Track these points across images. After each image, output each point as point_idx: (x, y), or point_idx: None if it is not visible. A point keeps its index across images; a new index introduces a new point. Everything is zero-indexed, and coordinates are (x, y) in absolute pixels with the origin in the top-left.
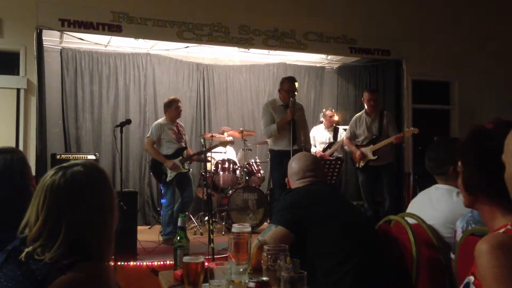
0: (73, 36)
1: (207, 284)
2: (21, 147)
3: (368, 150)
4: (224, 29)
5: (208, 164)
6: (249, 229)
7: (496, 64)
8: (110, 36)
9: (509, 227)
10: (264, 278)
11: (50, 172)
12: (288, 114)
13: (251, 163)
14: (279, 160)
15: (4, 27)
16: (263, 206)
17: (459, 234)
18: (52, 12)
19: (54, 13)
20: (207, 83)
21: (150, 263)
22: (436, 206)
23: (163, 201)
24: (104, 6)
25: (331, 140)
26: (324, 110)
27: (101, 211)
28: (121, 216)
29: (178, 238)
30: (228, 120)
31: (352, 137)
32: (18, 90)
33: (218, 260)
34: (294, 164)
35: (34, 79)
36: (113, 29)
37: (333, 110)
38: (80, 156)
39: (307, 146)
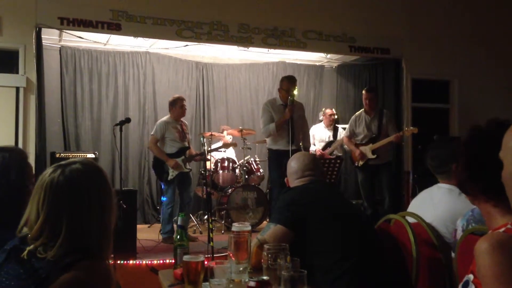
0: (72, 35)
1: (207, 283)
2: (20, 146)
3: (367, 149)
4: (224, 27)
5: (208, 163)
6: (249, 228)
7: (496, 63)
8: (109, 35)
9: (509, 226)
10: (264, 277)
11: (49, 170)
12: (286, 113)
13: (250, 162)
14: (277, 159)
15: (3, 25)
16: (263, 205)
17: (459, 233)
18: (51, 11)
19: (54, 12)
20: (207, 81)
21: (149, 262)
22: (437, 205)
23: (163, 199)
24: (103, 4)
25: (331, 138)
26: (324, 108)
27: (100, 209)
28: (120, 215)
29: (178, 237)
30: (227, 119)
31: (351, 135)
32: (17, 88)
33: (218, 259)
34: (293, 164)
35: (33, 78)
36: (112, 27)
37: (333, 109)
38: (80, 154)
39: (306, 145)
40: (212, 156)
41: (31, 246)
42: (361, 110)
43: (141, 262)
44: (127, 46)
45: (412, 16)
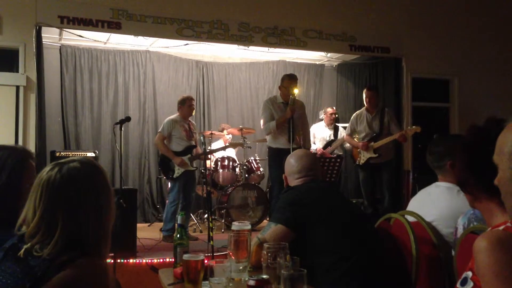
0: (73, 33)
1: (207, 281)
2: (20, 144)
3: (369, 147)
4: (224, 26)
5: (208, 162)
6: (249, 227)
7: (496, 62)
8: (109, 33)
9: (509, 224)
10: (264, 276)
11: (47, 168)
12: (287, 112)
13: (250, 160)
14: (277, 157)
15: (3, 24)
16: (263, 204)
17: (460, 232)
18: (51, 9)
19: (54, 10)
20: (207, 80)
21: (149, 261)
22: (436, 203)
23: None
24: (104, 3)
25: (332, 137)
26: (324, 107)
27: (98, 208)
28: (120, 214)
29: (178, 235)
30: (227, 118)
31: (352, 133)
32: (18, 87)
33: (218, 258)
34: (294, 162)
35: (33, 76)
36: (113, 26)
37: (333, 108)
38: (80, 153)
39: (306, 144)
40: (212, 155)
41: (28, 245)
42: (362, 109)
43: (141, 260)
44: (127, 45)
45: (412, 15)
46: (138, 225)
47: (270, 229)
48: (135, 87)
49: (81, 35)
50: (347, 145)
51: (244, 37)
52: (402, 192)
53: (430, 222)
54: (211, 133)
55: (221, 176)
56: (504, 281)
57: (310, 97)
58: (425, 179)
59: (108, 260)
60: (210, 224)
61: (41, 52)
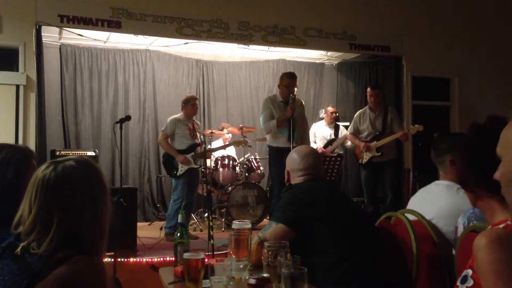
0: (72, 32)
1: (207, 280)
2: (22, 144)
3: (371, 146)
4: (224, 25)
5: (208, 161)
6: (250, 226)
7: (496, 60)
8: (109, 32)
9: (509, 222)
10: (265, 275)
11: (43, 167)
12: (288, 110)
13: (250, 159)
14: (277, 156)
15: (3, 23)
16: (263, 203)
17: (460, 231)
18: (51, 8)
19: (53, 9)
20: (207, 79)
21: (150, 260)
22: (436, 202)
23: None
24: (103, 2)
25: (332, 136)
26: (325, 106)
27: (93, 206)
28: (120, 213)
29: (179, 234)
30: (227, 117)
31: (356, 132)
32: (17, 86)
33: (218, 257)
34: (299, 159)
35: (33, 75)
36: (113, 25)
37: (334, 107)
38: (80, 152)
39: (305, 143)
40: (212, 154)
41: (24, 242)
42: (365, 107)
43: (141, 259)
44: (127, 44)
45: (412, 14)
46: (138, 224)
47: (270, 228)
48: (135, 86)
49: (81, 34)
50: (348, 144)
51: (244, 36)
52: (403, 191)
53: (430, 220)
54: (211, 132)
55: (221, 175)
56: (504, 279)
57: (310, 96)
58: (425, 177)
59: (108, 259)
60: (211, 223)
61: (41, 51)
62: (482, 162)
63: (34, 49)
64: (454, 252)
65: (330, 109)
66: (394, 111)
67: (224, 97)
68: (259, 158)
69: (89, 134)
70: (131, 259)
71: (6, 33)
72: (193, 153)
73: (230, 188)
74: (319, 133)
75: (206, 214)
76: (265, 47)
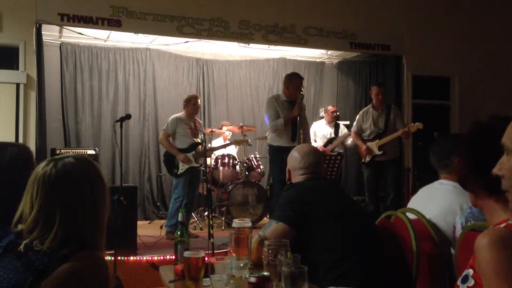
0: (73, 31)
1: (207, 279)
2: (20, 142)
3: (373, 145)
4: (224, 24)
5: (208, 159)
6: (250, 224)
7: (496, 59)
8: (109, 31)
9: (510, 222)
10: (265, 273)
11: (42, 164)
12: (295, 109)
13: (250, 158)
14: (278, 155)
15: (4, 22)
16: (263, 201)
17: (458, 230)
18: (51, 7)
19: (54, 8)
20: (207, 78)
21: (150, 258)
22: (441, 201)
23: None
24: (104, 0)
25: (333, 135)
26: (325, 105)
27: (93, 201)
28: (121, 211)
29: (179, 233)
30: (227, 115)
31: (359, 131)
32: (18, 85)
33: (219, 255)
34: (300, 157)
35: (34, 74)
36: (113, 23)
37: (334, 106)
38: (80, 151)
39: (306, 142)
40: (213, 153)
41: (27, 240)
42: (369, 106)
43: (141, 258)
44: (127, 43)
45: (412, 13)
46: (139, 222)
47: (271, 226)
48: (135, 85)
49: (81, 32)
50: (348, 142)
51: (244, 35)
52: (403, 190)
53: (433, 217)
54: (212, 131)
55: (221, 174)
56: (506, 278)
57: (311, 95)
58: (426, 177)
59: (109, 258)
60: (211, 222)
61: (41, 50)
62: (482, 161)
63: (34, 48)
64: (453, 251)
65: (330, 108)
66: (396, 110)
67: (224, 96)
68: (259, 157)
69: (89, 132)
70: (131, 258)
71: (6, 32)
72: (194, 152)
73: (230, 187)
74: (319, 132)
75: (206, 213)
76: (266, 46)
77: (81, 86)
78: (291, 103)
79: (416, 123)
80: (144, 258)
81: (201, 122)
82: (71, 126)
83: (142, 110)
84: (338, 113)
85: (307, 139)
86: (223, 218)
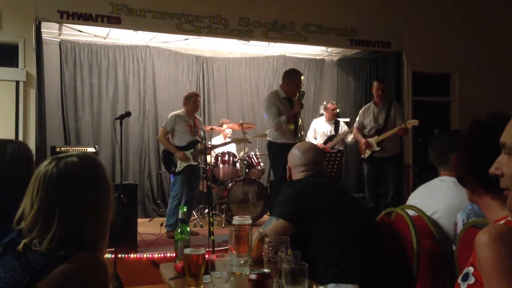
0: (72, 28)
1: (208, 276)
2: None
3: (373, 141)
4: (224, 21)
5: (208, 157)
6: (250, 221)
7: (496, 56)
8: (109, 28)
9: (509, 218)
10: (265, 270)
11: (45, 163)
12: (296, 106)
13: (251, 155)
14: (281, 153)
15: (3, 19)
16: (263, 199)
17: (459, 227)
18: (51, 4)
19: (53, 5)
20: (207, 75)
21: (150, 256)
22: (442, 198)
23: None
24: None
25: (333, 132)
26: (325, 102)
27: (95, 202)
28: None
29: (179, 230)
30: (227, 113)
31: (360, 127)
32: (17, 82)
33: (219, 253)
34: (300, 154)
35: (33, 72)
36: (112, 21)
37: (334, 103)
38: (80, 148)
39: (304, 140)
40: (213, 150)
41: (26, 239)
42: (370, 102)
43: (142, 255)
44: (127, 40)
45: (412, 9)
46: (139, 220)
47: (271, 223)
48: (135, 82)
49: (81, 30)
50: (348, 139)
51: (244, 32)
52: (403, 187)
53: (433, 214)
54: (211, 128)
55: (221, 171)
56: (506, 275)
57: (311, 92)
58: (426, 174)
59: (109, 255)
60: (211, 219)
61: (40, 47)
62: (480, 158)
63: (34, 45)
64: (454, 248)
65: (330, 105)
66: (397, 106)
67: (224, 93)
68: (259, 154)
69: (89, 130)
70: (132, 255)
71: (5, 29)
72: (192, 150)
73: (230, 184)
74: (319, 129)
75: (206, 210)
76: (265, 43)
77: (80, 83)
78: (289, 99)
79: (412, 120)
80: (145, 255)
81: (201, 119)
82: (71, 124)
83: (142, 108)
84: (338, 110)
85: (305, 135)
86: (224, 216)
